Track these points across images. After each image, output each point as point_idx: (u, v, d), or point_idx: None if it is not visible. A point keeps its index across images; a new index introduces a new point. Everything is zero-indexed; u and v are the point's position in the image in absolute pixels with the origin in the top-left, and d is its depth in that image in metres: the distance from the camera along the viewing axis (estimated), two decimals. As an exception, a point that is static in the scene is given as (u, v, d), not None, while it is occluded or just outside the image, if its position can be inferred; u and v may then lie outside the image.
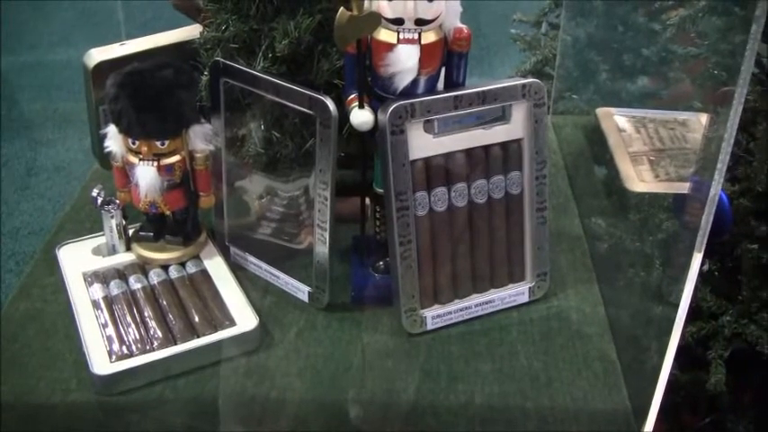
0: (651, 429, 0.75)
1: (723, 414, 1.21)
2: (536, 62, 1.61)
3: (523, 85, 0.81)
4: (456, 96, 0.78)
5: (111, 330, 0.81)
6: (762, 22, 0.57)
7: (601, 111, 1.27)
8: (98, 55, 0.94)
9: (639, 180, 1.11)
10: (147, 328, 0.82)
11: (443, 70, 0.79)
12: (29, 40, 2.86)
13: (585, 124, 1.30)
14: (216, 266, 0.90)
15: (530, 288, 0.88)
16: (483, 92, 0.79)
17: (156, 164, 0.84)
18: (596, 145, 1.23)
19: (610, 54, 1.49)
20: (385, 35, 0.75)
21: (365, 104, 0.78)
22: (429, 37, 0.75)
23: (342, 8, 0.72)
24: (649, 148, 1.18)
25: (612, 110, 1.27)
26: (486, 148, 0.82)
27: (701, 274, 1.18)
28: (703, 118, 1.22)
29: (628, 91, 1.48)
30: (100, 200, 0.89)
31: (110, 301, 0.85)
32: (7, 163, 2.35)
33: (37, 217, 2.16)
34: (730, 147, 0.63)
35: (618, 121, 1.24)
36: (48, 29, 3.02)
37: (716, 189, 0.64)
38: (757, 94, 1.14)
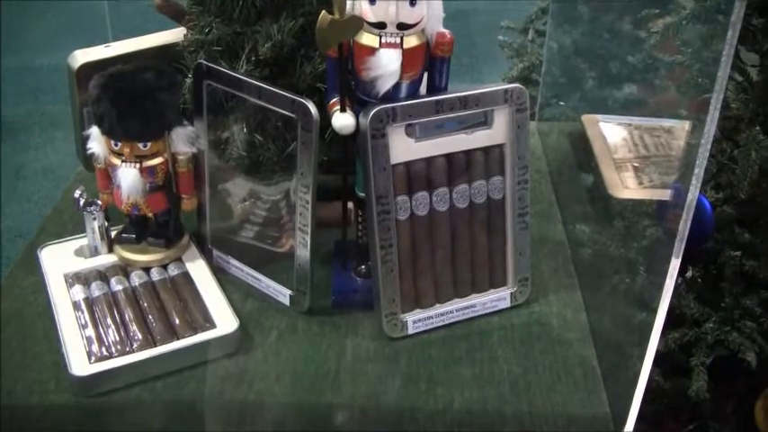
0: (630, 435, 0.76)
1: (705, 421, 1.21)
2: (523, 69, 1.63)
3: (505, 91, 0.81)
4: (438, 101, 0.78)
5: (90, 331, 0.81)
6: (738, 28, 0.57)
7: (586, 117, 1.27)
8: (82, 57, 0.94)
9: (624, 187, 1.11)
10: (126, 330, 0.82)
11: (426, 75, 0.80)
12: (15, 43, 2.85)
13: (571, 131, 1.30)
14: (198, 269, 0.90)
15: (511, 293, 0.88)
16: (465, 97, 0.79)
17: (138, 166, 0.84)
18: (581, 151, 1.23)
19: (595, 61, 1.49)
20: (367, 39, 0.75)
21: (347, 108, 0.78)
22: (411, 41, 0.76)
23: (324, 11, 0.73)
24: (634, 155, 1.18)
25: (598, 117, 1.27)
26: (468, 152, 0.82)
27: (684, 280, 1.19)
28: (687, 125, 1.22)
29: (613, 98, 1.49)
30: (82, 201, 0.89)
31: (90, 303, 0.85)
32: (-6, 167, 2.35)
33: (24, 221, 2.15)
34: (707, 153, 0.63)
35: (603, 127, 1.24)
36: (35, 32, 3.01)
37: (693, 195, 0.65)
38: (740, 102, 1.14)
